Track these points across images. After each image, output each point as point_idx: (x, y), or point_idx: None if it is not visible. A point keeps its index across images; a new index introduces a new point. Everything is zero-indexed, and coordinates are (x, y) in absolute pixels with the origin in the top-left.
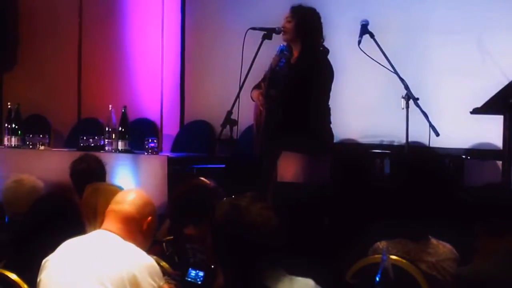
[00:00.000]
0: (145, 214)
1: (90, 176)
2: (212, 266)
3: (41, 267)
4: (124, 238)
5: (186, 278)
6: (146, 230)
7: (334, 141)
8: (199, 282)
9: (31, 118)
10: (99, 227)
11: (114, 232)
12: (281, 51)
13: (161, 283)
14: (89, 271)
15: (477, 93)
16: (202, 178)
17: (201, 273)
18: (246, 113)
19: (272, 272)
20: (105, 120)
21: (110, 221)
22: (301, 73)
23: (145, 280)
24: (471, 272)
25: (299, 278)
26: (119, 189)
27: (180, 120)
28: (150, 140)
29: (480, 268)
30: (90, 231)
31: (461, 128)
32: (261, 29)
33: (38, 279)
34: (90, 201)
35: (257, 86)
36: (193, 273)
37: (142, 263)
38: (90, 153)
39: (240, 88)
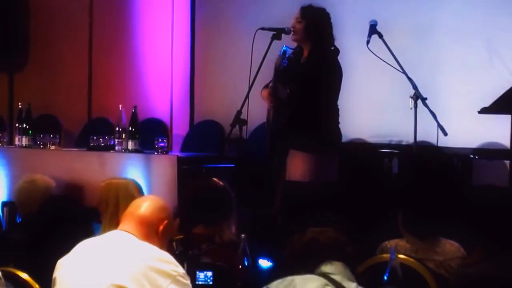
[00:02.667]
0: (161, 218)
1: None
2: (219, 264)
3: (56, 266)
4: (140, 239)
5: (196, 282)
6: (161, 233)
7: (343, 140)
8: (211, 283)
9: (42, 118)
10: (112, 222)
11: (130, 233)
12: (284, 52)
13: (180, 271)
14: (104, 270)
15: (485, 92)
16: (214, 179)
17: (209, 273)
18: (256, 112)
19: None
20: (115, 120)
21: (126, 223)
22: (311, 73)
23: (162, 271)
24: (477, 272)
25: None
26: (132, 182)
27: (190, 120)
28: (160, 140)
29: (486, 269)
30: (104, 226)
31: (469, 127)
32: (270, 29)
33: (53, 277)
34: (103, 196)
35: (267, 86)
36: (201, 275)
37: (156, 255)
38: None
39: (250, 88)
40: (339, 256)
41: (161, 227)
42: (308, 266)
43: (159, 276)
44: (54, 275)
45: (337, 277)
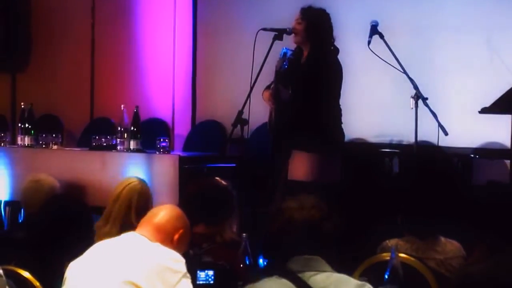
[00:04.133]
0: (177, 226)
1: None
2: (220, 263)
3: (68, 266)
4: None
5: (198, 282)
6: (177, 242)
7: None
8: (212, 282)
9: (44, 118)
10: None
11: (145, 237)
12: (284, 54)
13: (184, 271)
14: (116, 268)
15: (486, 92)
16: (216, 178)
17: (210, 272)
18: (257, 112)
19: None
20: (117, 120)
21: (142, 229)
22: (311, 73)
23: (171, 270)
24: (480, 271)
25: (339, 274)
26: (145, 183)
27: (192, 120)
28: (161, 140)
29: (489, 268)
30: (115, 222)
31: (470, 127)
32: (272, 29)
33: (64, 277)
34: (125, 197)
35: (268, 87)
36: (202, 274)
37: (168, 254)
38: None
39: (251, 88)
40: (316, 235)
41: (176, 236)
42: (282, 254)
43: (170, 273)
44: (65, 275)
45: (305, 275)
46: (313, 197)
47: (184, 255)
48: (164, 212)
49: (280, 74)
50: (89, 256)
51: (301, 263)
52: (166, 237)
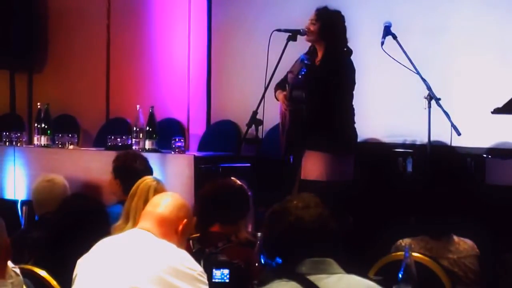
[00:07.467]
0: (181, 216)
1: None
2: (236, 262)
3: (77, 264)
4: (158, 238)
5: (213, 280)
6: (181, 232)
7: (357, 140)
8: (227, 281)
9: (60, 118)
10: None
11: (149, 231)
12: (302, 60)
13: (199, 269)
14: (123, 272)
15: (498, 93)
16: (232, 178)
17: (226, 271)
18: (272, 113)
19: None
20: (133, 120)
21: (145, 221)
22: (325, 74)
23: (182, 271)
24: None
25: (350, 275)
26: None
27: (207, 120)
28: (177, 140)
29: None
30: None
31: (482, 127)
32: (286, 30)
33: (73, 275)
34: (141, 192)
35: (279, 84)
36: (218, 273)
37: (176, 254)
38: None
39: (266, 88)
40: (325, 234)
41: (180, 227)
42: (292, 255)
43: (177, 278)
44: (74, 273)
45: (316, 279)
46: (313, 196)
47: (200, 254)
48: (166, 202)
49: (297, 80)
50: (97, 255)
51: (312, 266)
52: (171, 229)
